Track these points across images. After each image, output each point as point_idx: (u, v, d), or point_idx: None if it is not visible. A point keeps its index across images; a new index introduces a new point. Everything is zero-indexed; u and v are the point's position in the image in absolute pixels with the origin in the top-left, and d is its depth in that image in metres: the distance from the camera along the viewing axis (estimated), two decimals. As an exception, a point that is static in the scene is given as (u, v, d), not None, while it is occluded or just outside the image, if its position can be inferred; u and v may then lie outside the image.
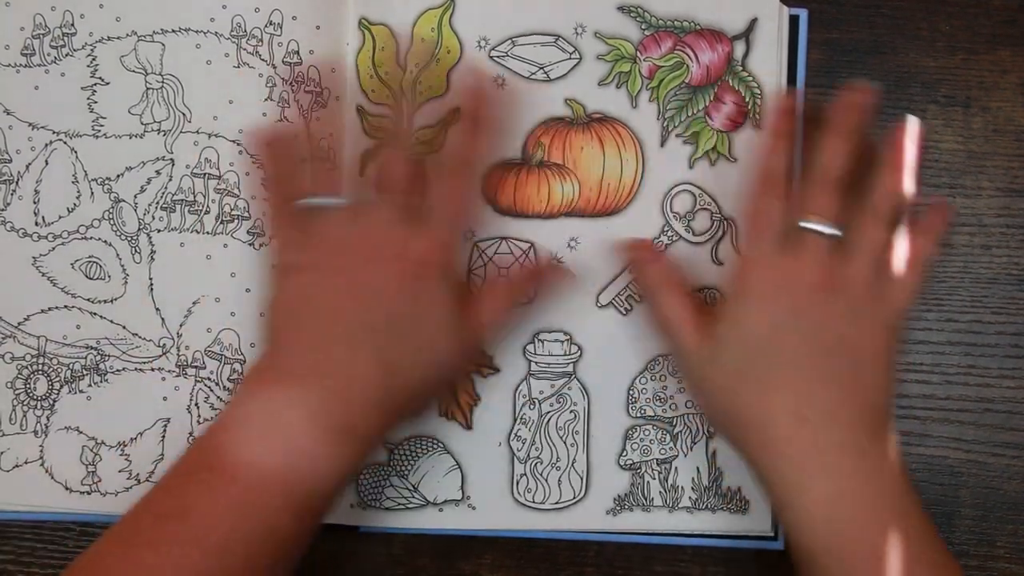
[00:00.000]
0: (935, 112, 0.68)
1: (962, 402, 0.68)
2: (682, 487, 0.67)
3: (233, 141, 0.66)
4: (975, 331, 0.68)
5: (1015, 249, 0.68)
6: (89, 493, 0.67)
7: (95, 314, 0.67)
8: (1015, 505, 0.68)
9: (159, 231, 0.67)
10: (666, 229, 0.67)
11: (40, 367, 0.67)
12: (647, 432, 0.67)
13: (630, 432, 0.67)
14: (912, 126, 0.61)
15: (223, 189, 0.66)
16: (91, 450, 0.67)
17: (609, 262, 0.67)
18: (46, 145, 0.67)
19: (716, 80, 0.67)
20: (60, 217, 0.67)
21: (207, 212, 0.66)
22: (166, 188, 0.67)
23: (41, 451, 0.67)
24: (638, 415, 0.67)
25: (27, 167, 0.67)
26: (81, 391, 0.67)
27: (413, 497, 0.67)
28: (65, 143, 0.67)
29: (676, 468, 0.67)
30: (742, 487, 0.67)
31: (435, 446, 0.67)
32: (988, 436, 0.68)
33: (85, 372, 0.67)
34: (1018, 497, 0.68)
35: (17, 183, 0.67)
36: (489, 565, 0.69)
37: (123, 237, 0.67)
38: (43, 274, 0.67)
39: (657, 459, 0.67)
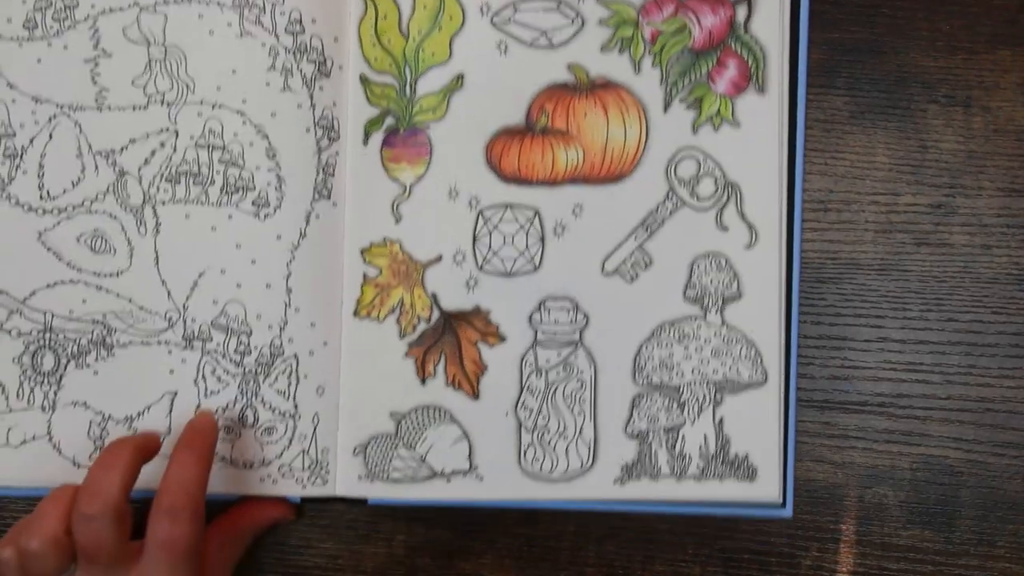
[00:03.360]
0: (935, 112, 0.68)
1: (962, 402, 0.68)
2: (689, 455, 0.67)
3: (237, 112, 0.66)
4: (975, 331, 0.68)
5: (1015, 249, 0.68)
6: (97, 467, 0.67)
7: (101, 288, 0.67)
8: (1015, 505, 0.68)
9: (164, 203, 0.67)
10: (670, 195, 0.67)
11: (46, 342, 0.67)
12: (654, 400, 0.67)
13: (637, 400, 0.67)
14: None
15: (227, 160, 0.66)
16: (98, 425, 0.67)
17: (614, 229, 0.67)
18: (50, 119, 0.67)
19: (719, 44, 0.67)
20: (65, 191, 0.67)
21: (212, 183, 0.66)
22: (170, 160, 0.66)
23: (49, 426, 0.67)
24: (645, 383, 0.67)
25: (31, 141, 0.67)
26: (88, 366, 0.67)
27: (421, 468, 0.67)
28: (69, 116, 0.67)
29: (683, 436, 0.67)
30: (749, 454, 0.67)
31: (442, 416, 0.67)
32: (988, 436, 0.68)
33: (92, 347, 0.67)
34: (1018, 497, 0.68)
35: (21, 157, 0.67)
36: (489, 565, 0.69)
37: (128, 210, 0.67)
38: (48, 248, 0.67)
39: (664, 427, 0.67)
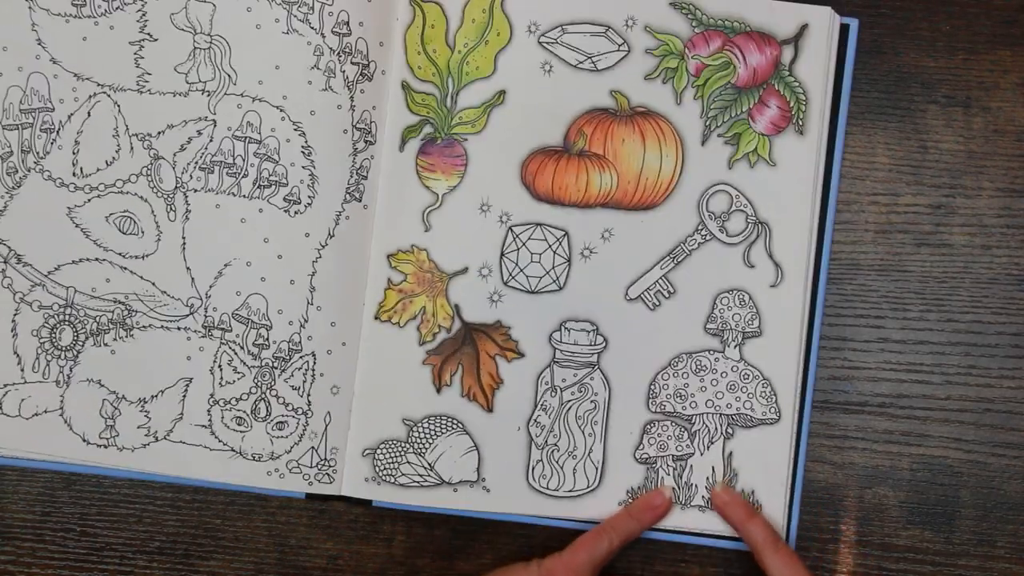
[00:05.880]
0: (935, 112, 0.68)
1: (962, 402, 0.68)
2: (696, 485, 0.67)
3: (276, 107, 0.66)
4: (975, 331, 0.68)
5: (1015, 249, 0.68)
6: (106, 447, 0.67)
7: (126, 269, 0.67)
8: (1015, 505, 0.68)
9: (196, 191, 0.67)
10: (700, 227, 0.67)
11: (67, 317, 0.67)
12: (665, 428, 0.67)
13: (648, 426, 0.67)
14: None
15: (263, 154, 0.66)
16: (111, 404, 0.67)
17: (641, 256, 0.67)
18: (90, 97, 0.67)
19: (762, 83, 0.67)
20: (98, 169, 0.67)
21: (245, 175, 0.67)
22: (206, 148, 0.67)
23: (61, 401, 0.67)
24: (657, 410, 0.67)
25: (69, 117, 0.67)
26: (106, 344, 0.67)
27: (429, 475, 0.67)
28: (109, 96, 0.67)
29: (691, 466, 0.67)
30: (755, 490, 0.67)
31: (455, 426, 0.67)
32: (988, 436, 0.68)
33: (111, 326, 0.67)
34: (1018, 497, 0.68)
35: (58, 132, 0.67)
36: (489, 565, 0.69)
37: (159, 194, 0.67)
38: (77, 225, 0.67)
39: (673, 455, 0.67)
